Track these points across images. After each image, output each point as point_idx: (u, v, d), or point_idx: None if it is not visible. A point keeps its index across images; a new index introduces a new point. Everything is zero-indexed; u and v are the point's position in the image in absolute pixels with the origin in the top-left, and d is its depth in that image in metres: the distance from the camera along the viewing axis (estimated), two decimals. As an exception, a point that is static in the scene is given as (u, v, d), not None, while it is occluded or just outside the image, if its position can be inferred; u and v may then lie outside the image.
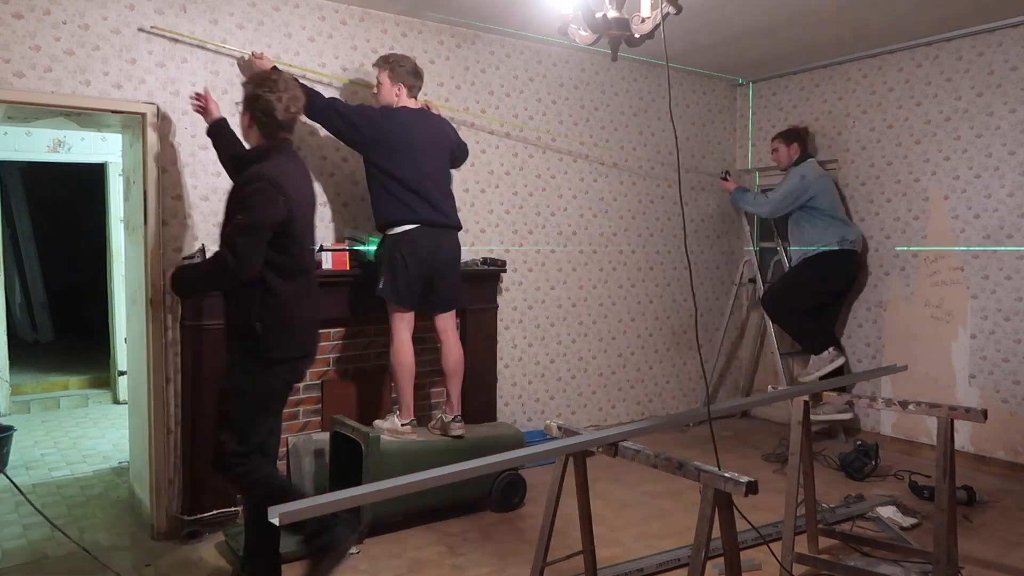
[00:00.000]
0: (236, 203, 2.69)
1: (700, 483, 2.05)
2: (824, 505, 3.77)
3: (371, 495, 1.91)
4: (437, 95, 4.32)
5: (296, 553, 3.25)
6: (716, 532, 2.03)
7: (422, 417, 4.25)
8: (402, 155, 3.53)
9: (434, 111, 3.83)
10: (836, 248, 4.84)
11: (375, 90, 3.68)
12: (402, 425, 3.60)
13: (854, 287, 5.12)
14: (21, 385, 6.31)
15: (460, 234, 4.42)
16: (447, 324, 3.77)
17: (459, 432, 3.69)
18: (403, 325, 3.60)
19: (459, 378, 3.78)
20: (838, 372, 4.90)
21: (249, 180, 2.67)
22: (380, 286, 3.57)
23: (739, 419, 5.80)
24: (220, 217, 3.61)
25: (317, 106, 3.49)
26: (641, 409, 5.40)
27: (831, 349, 4.91)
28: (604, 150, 5.09)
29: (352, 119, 3.51)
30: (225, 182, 3.65)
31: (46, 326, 8.36)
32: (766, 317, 5.22)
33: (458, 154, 3.87)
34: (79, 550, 3.16)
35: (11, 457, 4.37)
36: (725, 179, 5.46)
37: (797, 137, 5.09)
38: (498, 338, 4.53)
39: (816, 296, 5.00)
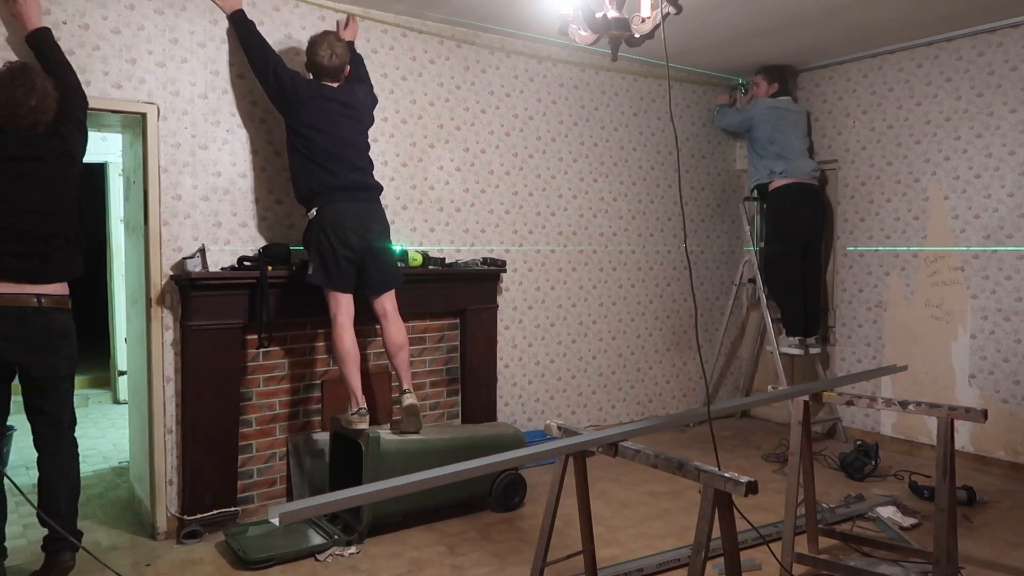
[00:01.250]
0: None
1: (700, 483, 2.05)
2: (824, 505, 3.77)
3: (371, 495, 1.91)
4: (437, 95, 4.32)
5: (291, 553, 3.26)
6: (716, 532, 2.03)
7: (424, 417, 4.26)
8: (322, 120, 3.52)
9: (351, 27, 3.88)
10: (767, 181, 5.15)
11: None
12: (351, 414, 3.51)
13: (823, 231, 5.25)
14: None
15: (460, 233, 4.45)
16: (387, 305, 3.65)
17: (410, 401, 3.58)
18: (341, 309, 3.53)
19: (406, 352, 3.67)
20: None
21: None
22: (309, 272, 3.51)
23: (739, 419, 5.81)
24: (220, 217, 3.64)
25: (261, 58, 3.54)
26: (641, 409, 5.40)
27: (796, 339, 5.13)
28: (604, 150, 5.09)
29: (282, 81, 3.52)
30: (225, 182, 3.66)
31: (46, 326, 8.34)
32: (767, 318, 5.22)
33: (372, 113, 3.83)
34: (79, 550, 3.16)
35: (11, 457, 4.38)
36: (732, 95, 5.66)
37: (778, 77, 5.27)
38: (498, 338, 4.53)
39: (782, 240, 5.12)
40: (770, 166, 5.13)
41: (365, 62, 3.93)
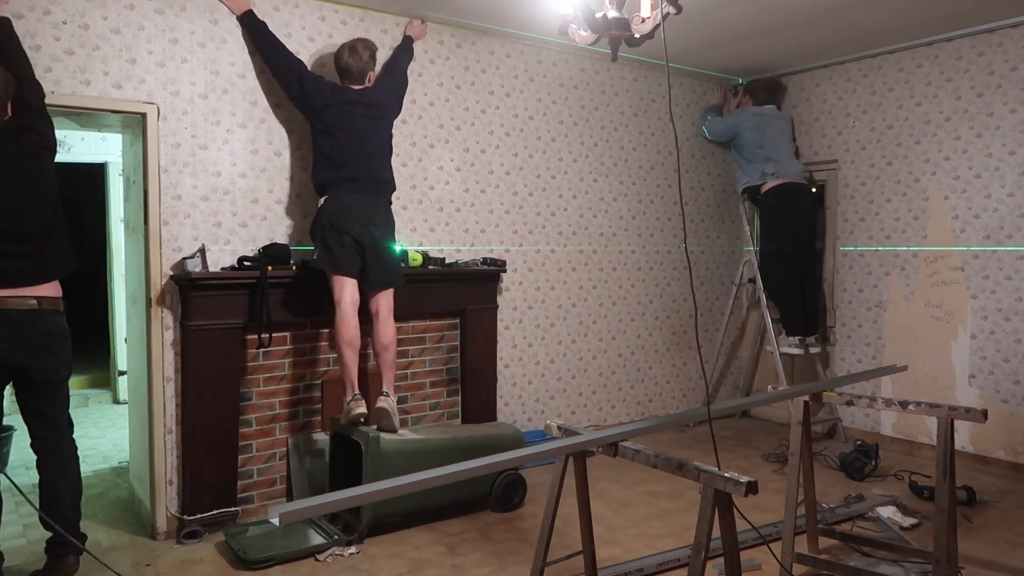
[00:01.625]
0: None
1: (700, 483, 2.05)
2: (824, 505, 3.77)
3: (371, 495, 1.91)
4: (437, 95, 4.32)
5: (291, 553, 3.26)
6: (716, 532, 2.03)
7: (421, 418, 4.26)
8: (344, 121, 3.61)
9: (420, 28, 4.12)
10: (758, 184, 5.19)
11: None
12: (348, 402, 3.50)
13: (817, 229, 5.31)
14: (21, 385, 6.30)
15: (460, 233, 4.44)
16: (382, 304, 3.65)
17: (381, 404, 3.55)
18: (345, 295, 3.54)
19: (391, 353, 3.67)
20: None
21: None
22: (314, 257, 3.55)
23: (739, 419, 5.80)
24: (220, 217, 3.64)
25: (283, 63, 3.62)
26: (641, 409, 5.40)
27: (796, 339, 5.14)
28: (604, 150, 5.09)
29: (307, 88, 3.62)
30: (225, 182, 3.66)
31: (46, 326, 8.33)
32: (767, 318, 5.22)
33: (399, 104, 3.95)
34: (82, 553, 3.16)
35: (11, 457, 4.37)
36: (726, 93, 5.68)
37: (755, 91, 5.41)
38: (498, 338, 4.53)
39: (778, 240, 5.15)
40: (761, 168, 5.18)
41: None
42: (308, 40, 3.86)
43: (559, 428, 2.50)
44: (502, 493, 3.80)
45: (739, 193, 5.53)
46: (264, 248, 3.65)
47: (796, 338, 5.13)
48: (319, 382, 3.91)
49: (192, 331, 3.45)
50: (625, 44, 2.44)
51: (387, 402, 3.58)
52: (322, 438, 3.85)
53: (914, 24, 4.39)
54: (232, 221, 3.68)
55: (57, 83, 3.21)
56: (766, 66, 5.34)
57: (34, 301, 2.87)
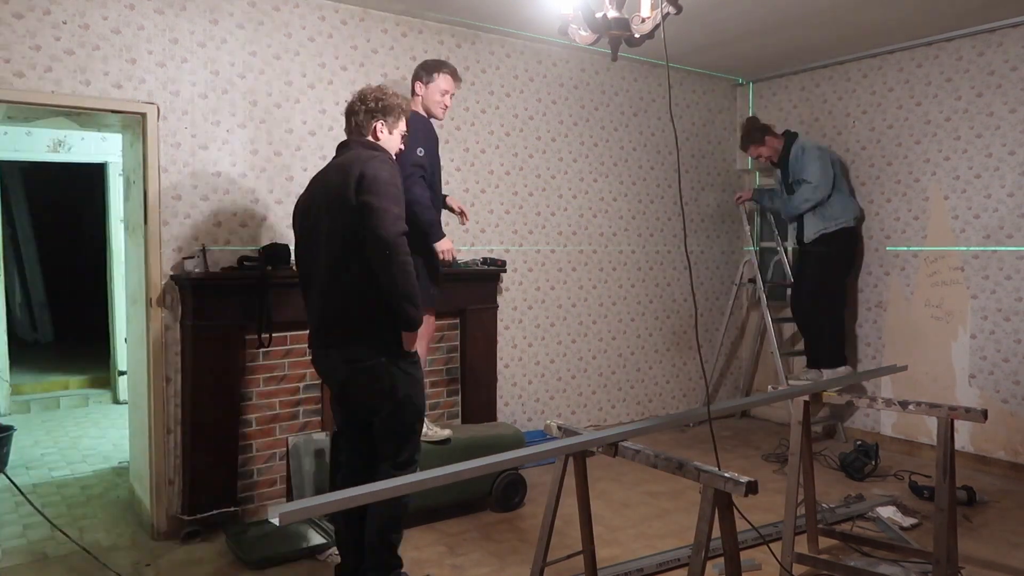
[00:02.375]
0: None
1: (700, 483, 2.05)
2: (824, 505, 3.77)
3: (371, 495, 1.91)
4: (437, 95, 4.32)
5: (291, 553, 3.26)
6: (716, 532, 2.03)
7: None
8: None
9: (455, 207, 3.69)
10: (852, 225, 4.90)
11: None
12: None
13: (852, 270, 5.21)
14: (21, 385, 6.31)
15: (460, 233, 4.44)
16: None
17: None
18: None
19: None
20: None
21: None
22: None
23: (739, 419, 5.80)
24: (220, 217, 3.64)
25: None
26: (641, 409, 5.40)
27: (844, 368, 4.89)
28: (604, 150, 5.09)
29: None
30: (224, 182, 3.66)
31: (46, 326, 8.36)
32: (767, 318, 5.21)
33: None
34: (79, 550, 3.16)
35: (11, 457, 4.35)
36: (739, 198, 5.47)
37: (765, 130, 4.95)
38: (498, 338, 4.52)
39: (844, 278, 4.99)
40: (857, 208, 4.94)
41: (366, 62, 3.93)
42: (308, 40, 3.86)
43: (559, 428, 2.50)
44: (502, 493, 3.80)
45: (831, 231, 4.83)
46: (264, 248, 3.65)
47: (844, 367, 4.85)
48: (319, 382, 3.90)
49: (192, 331, 3.45)
50: (625, 44, 2.44)
51: None
52: (322, 438, 3.85)
53: (914, 24, 4.39)
54: (232, 221, 3.69)
55: (57, 83, 3.21)
56: (766, 66, 5.35)
57: None
